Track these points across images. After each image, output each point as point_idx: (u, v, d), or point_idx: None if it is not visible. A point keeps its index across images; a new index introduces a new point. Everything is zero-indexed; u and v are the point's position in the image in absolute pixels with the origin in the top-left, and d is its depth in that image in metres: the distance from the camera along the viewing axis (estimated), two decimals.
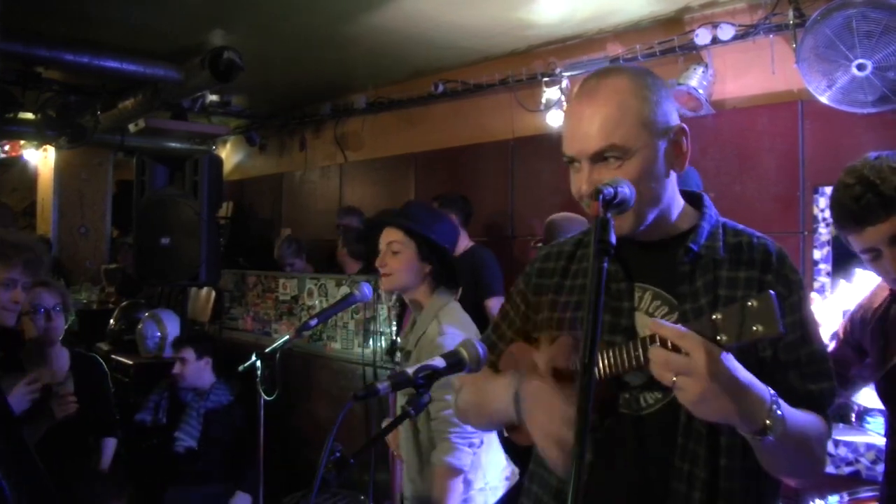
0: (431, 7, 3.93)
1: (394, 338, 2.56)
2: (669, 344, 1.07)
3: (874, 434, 2.93)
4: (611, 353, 1.21)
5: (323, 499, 2.99)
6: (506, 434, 1.49)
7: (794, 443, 1.15)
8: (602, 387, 1.22)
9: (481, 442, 2.22)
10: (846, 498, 2.11)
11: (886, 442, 1.89)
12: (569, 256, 1.48)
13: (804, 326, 1.27)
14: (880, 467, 2.60)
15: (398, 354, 2.48)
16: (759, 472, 1.23)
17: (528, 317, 1.49)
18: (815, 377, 1.26)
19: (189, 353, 4.03)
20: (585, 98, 1.29)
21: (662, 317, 1.29)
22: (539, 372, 1.38)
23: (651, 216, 1.29)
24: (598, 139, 1.25)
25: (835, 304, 2.12)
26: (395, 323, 3.92)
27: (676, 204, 1.36)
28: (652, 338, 1.12)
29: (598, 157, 1.25)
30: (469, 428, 2.11)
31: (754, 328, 1.01)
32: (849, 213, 1.59)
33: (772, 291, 1.02)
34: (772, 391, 1.11)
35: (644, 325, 1.30)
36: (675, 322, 1.23)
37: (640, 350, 1.16)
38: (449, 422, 2.15)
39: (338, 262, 5.22)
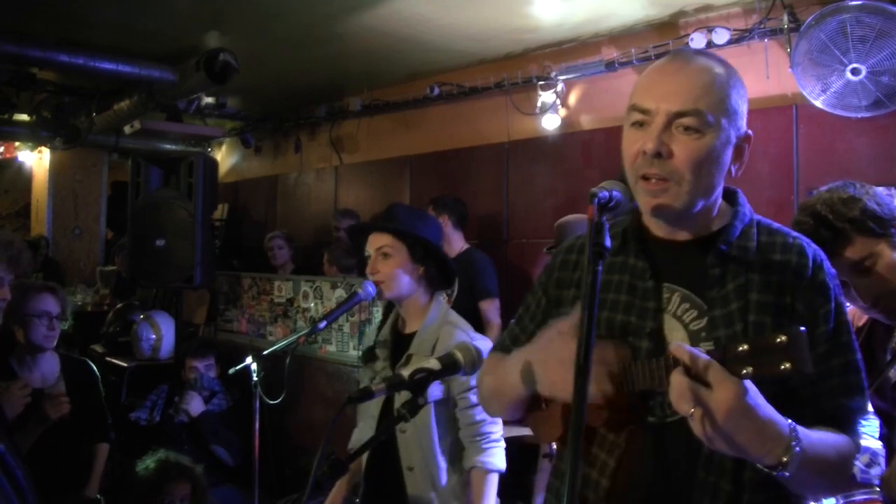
0: (427, 10, 3.93)
1: (374, 340, 2.48)
2: (692, 371, 1.01)
3: (869, 437, 2.93)
4: (635, 368, 1.17)
5: (317, 501, 2.97)
6: (532, 433, 1.46)
7: (817, 471, 1.11)
8: (627, 393, 1.19)
9: (502, 436, 2.19)
10: (841, 501, 2.11)
11: (883, 446, 1.90)
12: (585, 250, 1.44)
13: (838, 336, 1.22)
14: (875, 470, 2.61)
15: (378, 362, 2.33)
16: (783, 485, 1.17)
17: (550, 311, 1.44)
18: (846, 390, 1.21)
19: (211, 361, 4.12)
20: (680, 61, 1.26)
21: (691, 321, 1.23)
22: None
23: (698, 206, 1.23)
24: (686, 99, 1.19)
25: None
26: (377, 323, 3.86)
27: (717, 204, 1.30)
28: (676, 359, 1.05)
29: (677, 117, 1.19)
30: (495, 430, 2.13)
31: (782, 366, 0.96)
32: None
33: (802, 328, 0.96)
34: (791, 423, 1.05)
35: (672, 328, 1.24)
36: (705, 328, 1.20)
37: (663, 370, 1.11)
38: (478, 421, 2.11)
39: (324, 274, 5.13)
